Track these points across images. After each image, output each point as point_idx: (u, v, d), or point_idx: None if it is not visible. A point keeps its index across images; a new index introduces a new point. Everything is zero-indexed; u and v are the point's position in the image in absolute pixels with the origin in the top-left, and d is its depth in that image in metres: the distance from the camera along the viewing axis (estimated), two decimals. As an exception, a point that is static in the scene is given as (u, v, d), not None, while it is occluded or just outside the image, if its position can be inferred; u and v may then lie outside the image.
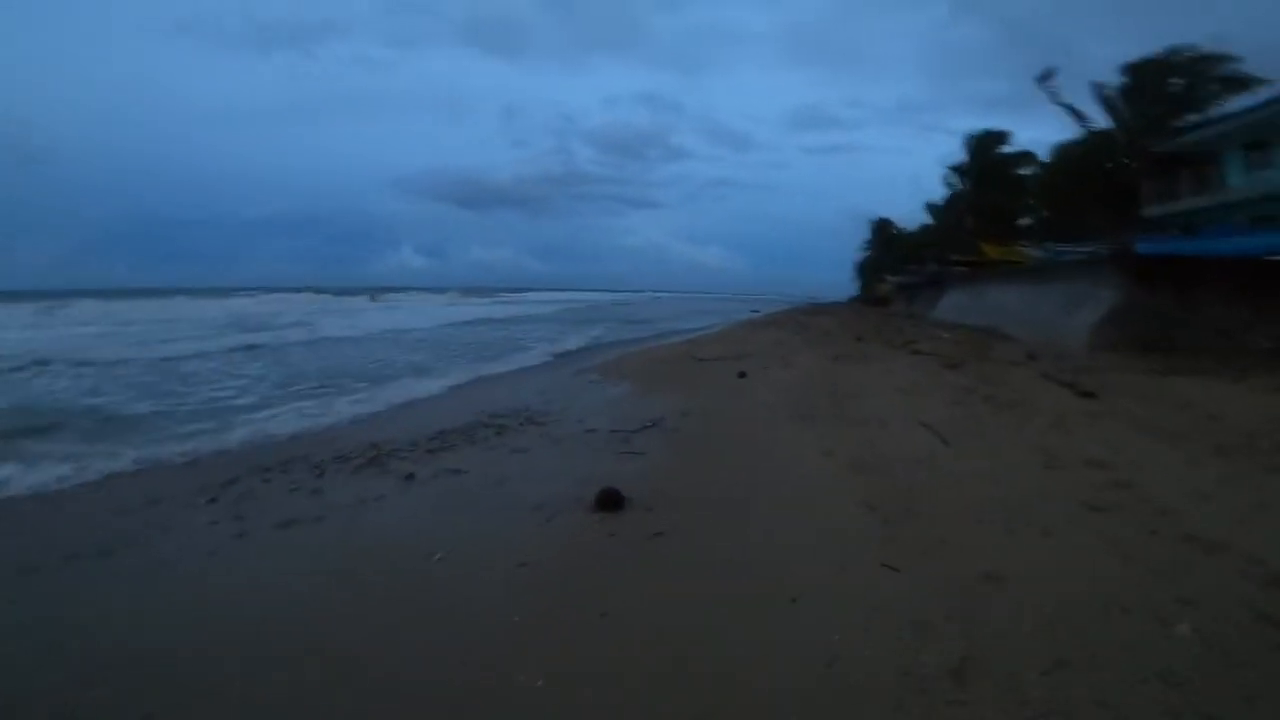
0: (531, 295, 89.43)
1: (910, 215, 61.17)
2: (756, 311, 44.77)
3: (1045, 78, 22.97)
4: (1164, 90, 21.40)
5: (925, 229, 50.22)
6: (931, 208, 46.96)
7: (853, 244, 71.97)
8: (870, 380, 10.30)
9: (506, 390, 10.95)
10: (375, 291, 71.42)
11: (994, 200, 34.31)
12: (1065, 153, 24.64)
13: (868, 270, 66.57)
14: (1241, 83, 20.02)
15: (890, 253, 58.48)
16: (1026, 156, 34.04)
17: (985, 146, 36.36)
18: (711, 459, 6.01)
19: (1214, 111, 20.34)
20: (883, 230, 65.05)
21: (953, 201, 40.03)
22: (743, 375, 11.23)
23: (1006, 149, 35.84)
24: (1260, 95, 18.96)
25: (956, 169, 38.02)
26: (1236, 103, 19.81)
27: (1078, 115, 22.79)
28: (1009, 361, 11.23)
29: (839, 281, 78.61)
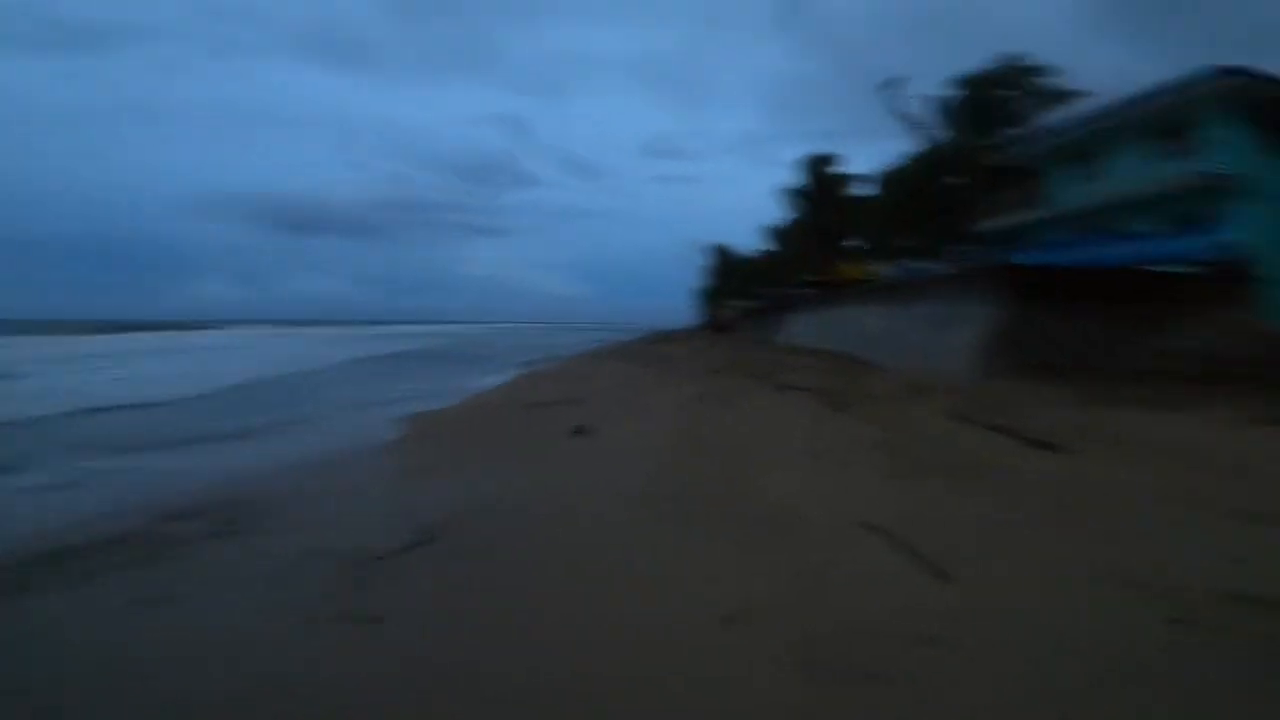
0: (371, 330, 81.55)
1: (751, 243, 62.82)
2: (603, 342, 42.75)
3: (888, 86, 23.12)
4: (992, 103, 22.14)
5: (765, 254, 51.36)
6: (771, 232, 47.97)
7: (696, 272, 72.91)
8: (752, 432, 7.99)
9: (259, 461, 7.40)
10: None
11: (828, 221, 35.06)
12: (901, 169, 25.13)
13: (710, 297, 67.45)
14: (1062, 96, 21.08)
15: (731, 279, 59.45)
16: (857, 178, 35.35)
17: (818, 168, 37.38)
18: (506, 637, 3.13)
19: (1036, 125, 21.19)
20: (723, 257, 66.35)
21: (790, 225, 40.81)
22: (581, 431, 8.48)
23: (838, 170, 37.04)
24: (1076, 109, 19.93)
25: (793, 192, 38.78)
26: (1055, 116, 20.76)
27: (916, 126, 23.14)
28: (898, 397, 9.50)
29: (683, 309, 79.45)
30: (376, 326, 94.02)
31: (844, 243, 34.35)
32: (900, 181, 24.76)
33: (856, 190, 35.90)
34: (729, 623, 3.11)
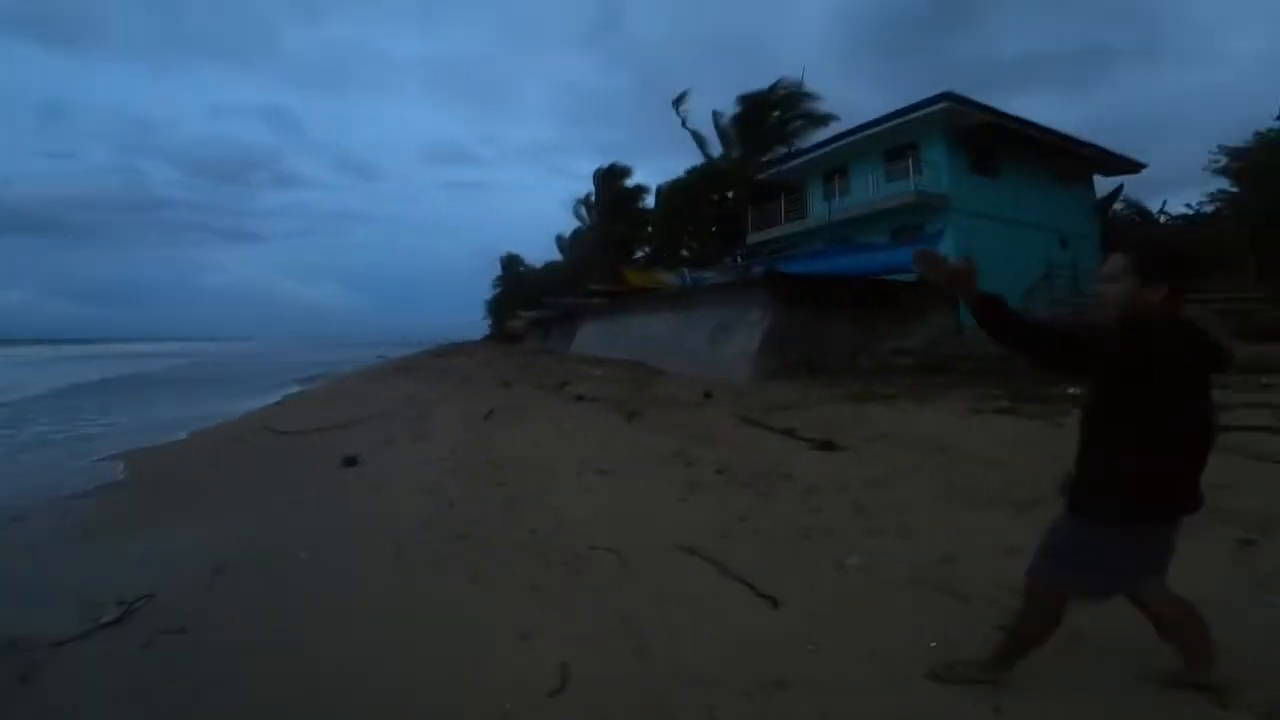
0: (79, 350, 66.28)
1: (541, 253, 62.49)
2: (384, 357, 39.36)
3: (679, 101, 24.17)
4: (765, 123, 24.21)
5: (555, 264, 51.33)
6: (561, 241, 48.05)
7: (485, 282, 70.73)
8: (545, 450, 7.44)
9: None
10: None
11: (618, 231, 35.94)
12: (684, 181, 26.46)
13: (499, 307, 65.91)
14: (820, 119, 23.69)
15: (521, 289, 58.61)
16: (644, 190, 36.78)
17: (610, 180, 38.18)
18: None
19: (800, 144, 23.61)
20: (512, 266, 65.20)
21: (581, 235, 41.19)
22: (352, 462, 7.28)
23: (629, 182, 38.18)
24: (831, 130, 22.55)
25: (585, 202, 39.17)
26: (815, 137, 23.32)
27: (699, 141, 24.52)
28: (686, 403, 9.59)
29: (472, 321, 76.62)
30: (87, 345, 77.19)
31: (634, 253, 35.51)
32: (683, 192, 26.12)
33: (646, 203, 37.46)
34: (557, 695, 2.52)
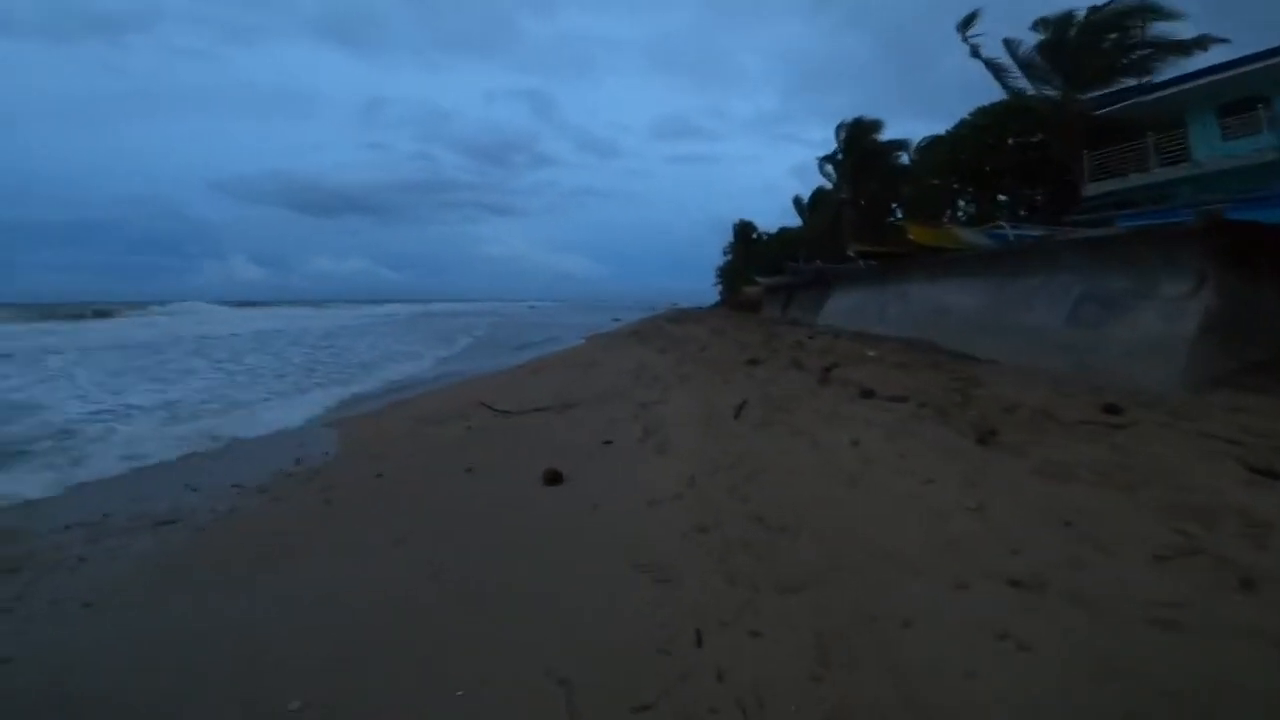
0: (386, 307, 78.35)
1: (772, 220, 59.06)
2: (618, 320, 39.11)
3: (966, 24, 18.90)
4: (1095, 49, 17.91)
5: (791, 229, 47.35)
6: (799, 204, 43.79)
7: (713, 250, 68.98)
8: (855, 495, 4.28)
9: None
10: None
11: (872, 189, 30.81)
12: (968, 126, 20.95)
13: (731, 274, 63.51)
14: (1181, 47, 16.83)
15: (754, 255, 55.38)
16: (899, 145, 31.00)
17: (858, 135, 32.93)
18: None
19: (1155, 75, 17.00)
20: (745, 233, 62.32)
21: (825, 196, 36.57)
22: (556, 479, 4.90)
23: (881, 136, 32.54)
24: (1205, 59, 15.81)
25: (830, 160, 34.42)
26: (1180, 67, 16.56)
27: (997, 72, 18.98)
28: (1072, 418, 5.72)
29: (700, 288, 75.64)
30: (392, 304, 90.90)
31: (891, 212, 30.19)
32: (970, 138, 20.56)
33: (900, 159, 31.64)
34: None
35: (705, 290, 74.42)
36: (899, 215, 30.51)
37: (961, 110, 24.07)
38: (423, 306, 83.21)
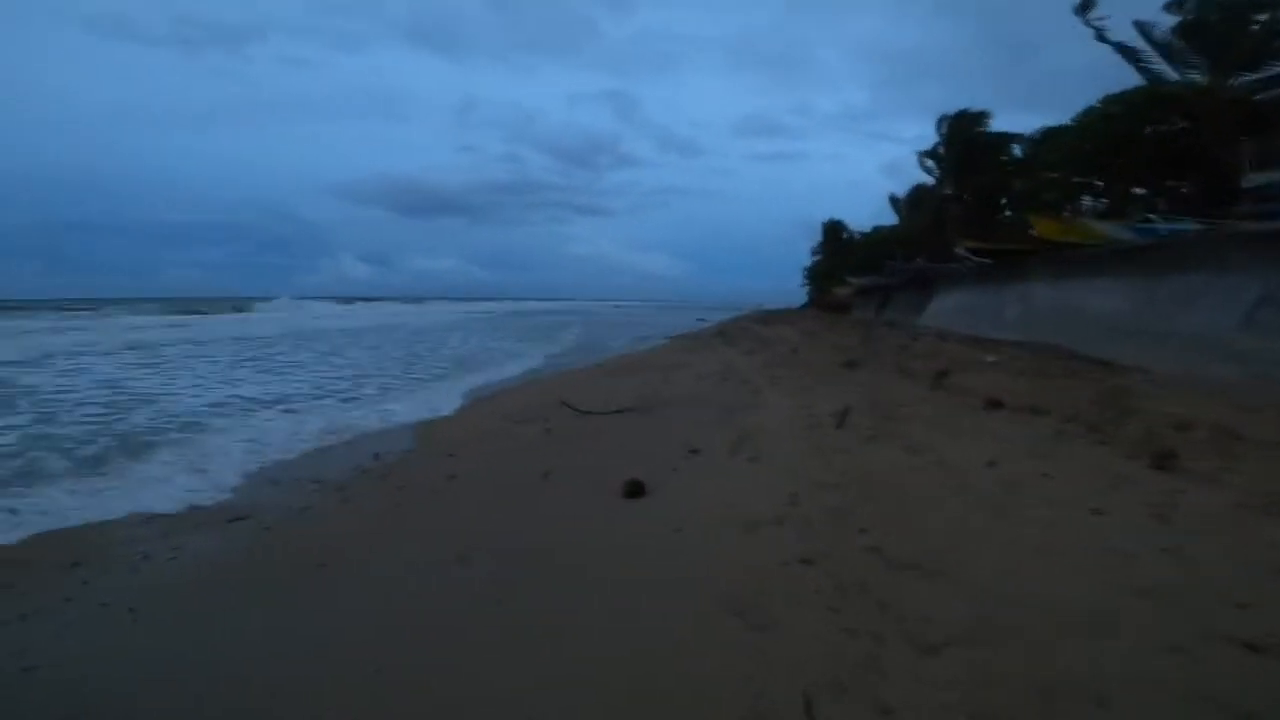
0: (479, 305, 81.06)
1: (862, 218, 56.54)
2: (703, 320, 38.36)
3: (1086, 7, 16.95)
4: (1242, 30, 15.61)
5: (885, 228, 44.95)
6: (896, 202, 41.41)
7: (800, 250, 66.70)
8: (1004, 532, 3.45)
9: None
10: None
11: (981, 183, 28.42)
12: (1096, 114, 18.78)
13: (820, 274, 61.24)
14: None
15: (845, 255, 53.03)
16: (1009, 137, 28.42)
17: (961, 128, 30.54)
18: None
19: None
20: (835, 233, 59.80)
21: (925, 192, 34.27)
22: (636, 492, 4.35)
23: (988, 128, 29.98)
24: None
25: (930, 154, 32.14)
26: None
27: (1130, 56, 16.90)
28: (1275, 441, 4.61)
29: (786, 289, 73.33)
30: (482, 303, 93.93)
31: (1001, 207, 27.81)
32: (1098, 126, 18.41)
33: (1012, 152, 29.04)
34: None
35: (790, 291, 72.24)
36: (1009, 211, 28.00)
37: (1074, 99, 21.75)
38: (513, 305, 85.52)
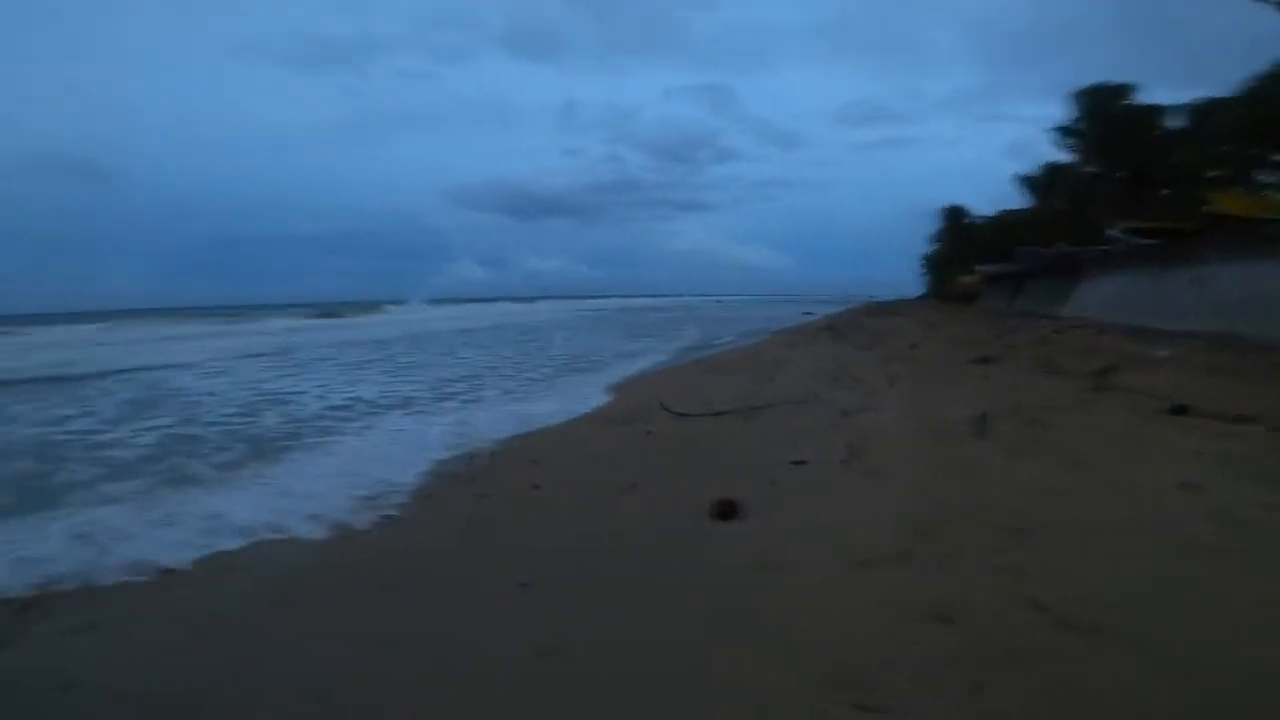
0: (589, 302, 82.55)
1: (980, 204, 52.14)
2: (809, 314, 36.61)
3: None
4: None
5: (1012, 212, 41.01)
6: (1029, 182, 37.59)
7: (913, 239, 62.15)
8: (1265, 598, 2.52)
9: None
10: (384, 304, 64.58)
11: (1130, 161, 24.99)
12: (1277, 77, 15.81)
13: (939, 263, 57.03)
14: None
15: (967, 241, 48.96)
16: (1158, 110, 24.78)
17: (1104, 102, 26.97)
18: None
19: None
20: (955, 218, 55.41)
21: (1062, 171, 30.69)
22: (727, 513, 3.74)
23: (1136, 101, 26.32)
24: None
25: (1068, 131, 28.65)
26: None
27: None
28: None
29: (898, 280, 68.97)
30: (593, 300, 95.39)
31: (1156, 186, 24.30)
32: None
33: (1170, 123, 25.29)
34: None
35: (904, 282, 67.81)
36: (1166, 189, 24.29)
37: (1222, 69, 18.35)
38: (620, 301, 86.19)
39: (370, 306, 58.32)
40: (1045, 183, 35.98)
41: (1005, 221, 42.34)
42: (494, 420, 7.69)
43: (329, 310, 50.56)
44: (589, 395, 9.29)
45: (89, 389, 11.33)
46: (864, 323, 22.81)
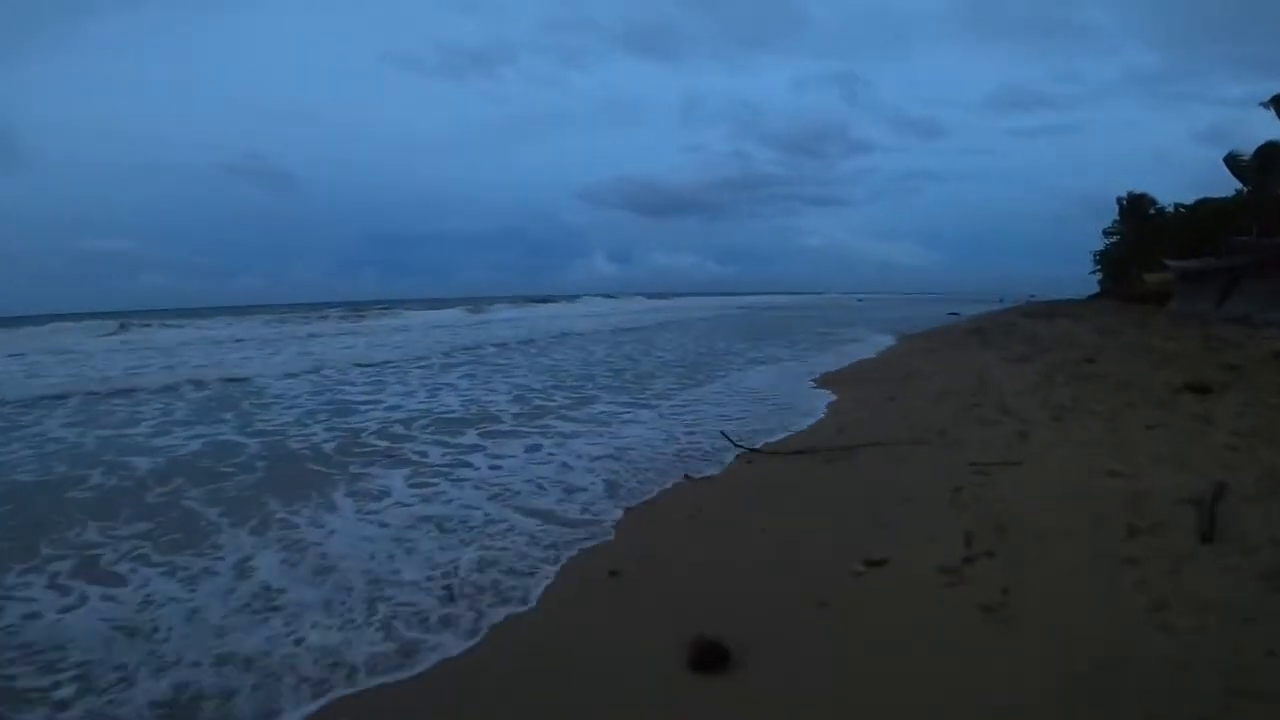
0: (721, 300, 79.73)
1: (1165, 193, 44.22)
2: (955, 314, 32.28)
3: None
4: None
5: (1212, 200, 33.95)
6: (1238, 164, 30.69)
7: (1083, 232, 53.70)
8: None
9: None
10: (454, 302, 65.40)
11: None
12: None
13: (1117, 259, 48.87)
14: None
15: (1154, 234, 41.23)
16: None
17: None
18: None
19: None
20: (1138, 208, 47.13)
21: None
22: (711, 661, 2.07)
23: None
24: None
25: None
26: None
27: None
28: None
29: (1065, 277, 60.07)
30: (726, 298, 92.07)
31: None
32: None
33: None
34: None
35: (1067, 279, 58.97)
36: None
37: None
38: (753, 299, 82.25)
39: (538, 299, 58.78)
40: (1262, 165, 29.17)
41: (1206, 210, 35.18)
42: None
43: (478, 307, 52.04)
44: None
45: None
46: (1021, 326, 19.13)
